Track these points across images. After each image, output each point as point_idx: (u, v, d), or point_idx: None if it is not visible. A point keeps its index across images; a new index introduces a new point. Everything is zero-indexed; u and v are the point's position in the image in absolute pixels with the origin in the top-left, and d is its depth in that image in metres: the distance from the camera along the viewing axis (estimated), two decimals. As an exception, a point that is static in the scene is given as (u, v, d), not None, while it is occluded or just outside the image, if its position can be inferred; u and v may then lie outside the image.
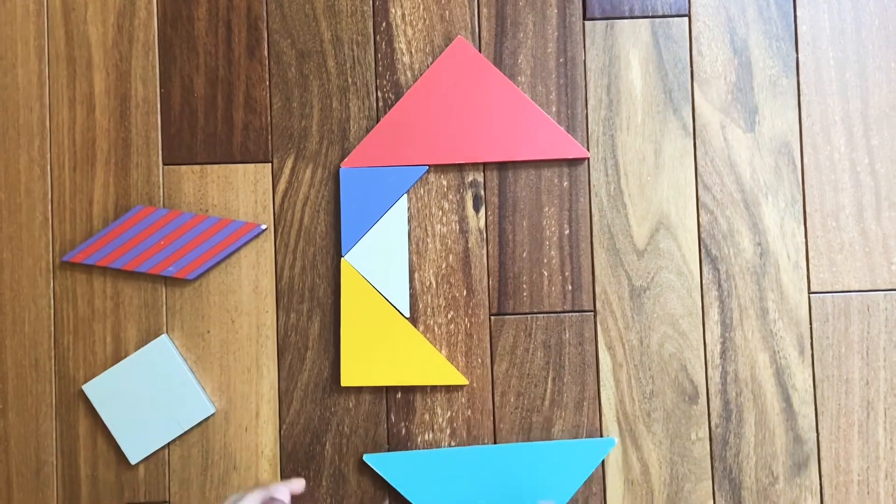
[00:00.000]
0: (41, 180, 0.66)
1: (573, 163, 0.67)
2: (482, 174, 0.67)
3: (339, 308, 0.66)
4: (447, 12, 0.67)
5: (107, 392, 0.64)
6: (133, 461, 0.64)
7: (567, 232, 0.67)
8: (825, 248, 0.67)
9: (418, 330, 0.66)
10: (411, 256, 0.67)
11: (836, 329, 0.66)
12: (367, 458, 0.64)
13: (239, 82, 0.67)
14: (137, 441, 0.64)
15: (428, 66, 0.67)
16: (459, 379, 0.65)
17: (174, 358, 0.65)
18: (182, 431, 0.64)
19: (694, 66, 0.67)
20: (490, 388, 0.66)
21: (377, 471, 0.64)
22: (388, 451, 0.66)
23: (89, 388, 0.64)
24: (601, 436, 0.66)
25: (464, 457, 0.64)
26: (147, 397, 0.64)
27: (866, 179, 0.67)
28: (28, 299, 0.66)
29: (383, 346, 0.66)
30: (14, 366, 0.66)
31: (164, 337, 0.65)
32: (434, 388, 0.66)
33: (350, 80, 0.67)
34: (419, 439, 0.66)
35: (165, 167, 0.67)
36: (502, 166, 0.67)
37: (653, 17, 0.68)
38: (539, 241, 0.67)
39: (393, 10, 0.67)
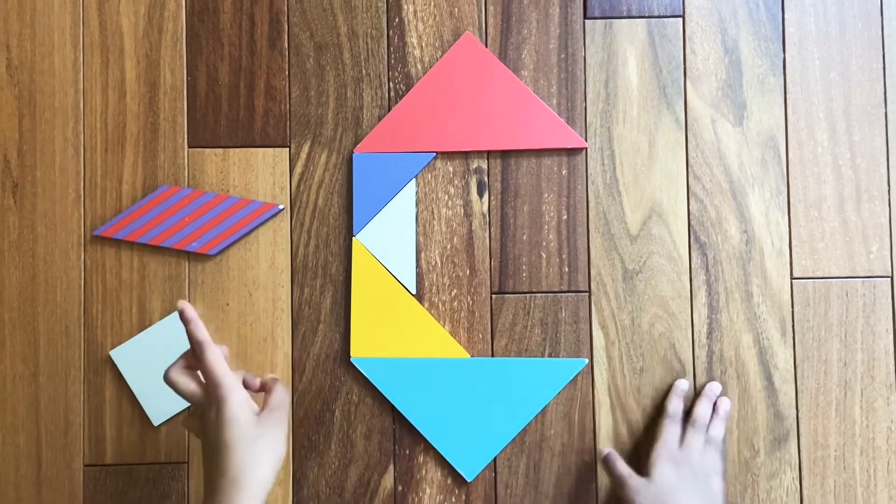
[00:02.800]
0: (74, 160, 0.71)
1: (572, 152, 0.71)
2: (486, 161, 0.71)
3: (350, 284, 0.70)
4: (456, 9, 0.72)
5: (132, 358, 0.69)
6: (156, 423, 0.69)
7: (565, 217, 0.71)
8: (807, 237, 0.71)
9: (424, 306, 0.71)
10: (418, 237, 0.71)
11: (816, 313, 0.71)
12: (354, 360, 0.69)
13: (260, 72, 0.72)
14: (160, 404, 0.69)
15: (437, 60, 0.72)
16: (461, 353, 0.70)
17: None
18: None
19: (687, 63, 0.72)
20: (490, 362, 0.70)
21: (364, 373, 0.69)
22: (393, 420, 0.70)
23: (116, 354, 0.69)
24: (594, 410, 0.70)
25: (443, 367, 0.69)
26: (169, 363, 0.68)
27: (847, 173, 0.71)
28: (60, 270, 0.70)
29: (391, 320, 0.70)
30: (46, 332, 0.70)
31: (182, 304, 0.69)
32: (437, 361, 0.70)
33: (364, 71, 0.72)
34: (423, 408, 0.70)
35: (190, 150, 0.71)
36: (505, 154, 0.71)
37: (649, 17, 0.72)
38: (538, 225, 0.71)
39: (405, 7, 0.72)
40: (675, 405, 0.68)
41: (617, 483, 0.65)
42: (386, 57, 0.72)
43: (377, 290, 0.70)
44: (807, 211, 0.71)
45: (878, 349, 0.70)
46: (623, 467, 0.65)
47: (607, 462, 0.66)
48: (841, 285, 0.71)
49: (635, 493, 0.63)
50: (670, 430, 0.66)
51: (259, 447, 0.54)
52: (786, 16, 0.72)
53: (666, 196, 0.71)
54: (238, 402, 0.55)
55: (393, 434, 0.70)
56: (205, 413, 0.56)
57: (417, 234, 0.71)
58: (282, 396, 0.58)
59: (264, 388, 0.60)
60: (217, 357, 0.57)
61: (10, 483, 0.69)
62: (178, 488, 0.69)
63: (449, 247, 0.71)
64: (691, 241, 0.71)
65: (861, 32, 0.72)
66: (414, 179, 0.71)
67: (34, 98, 0.71)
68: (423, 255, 0.71)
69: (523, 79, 0.71)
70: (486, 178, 0.71)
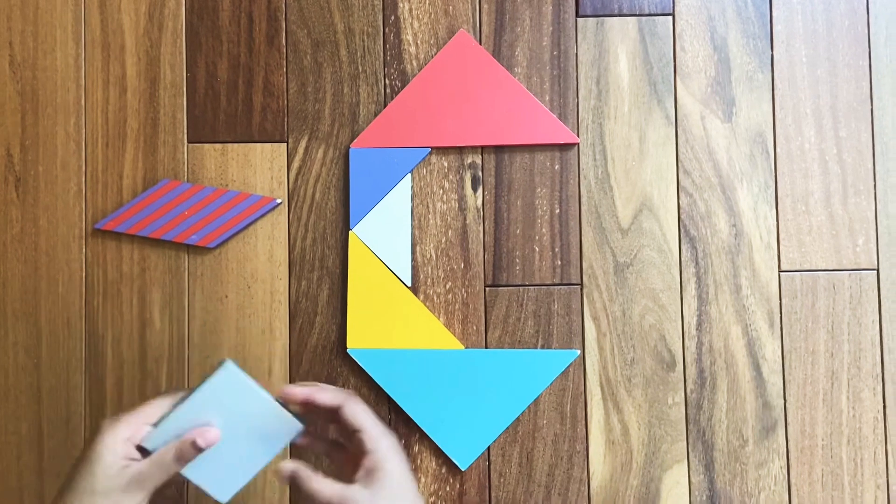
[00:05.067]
0: (76, 155, 0.72)
1: (564, 148, 0.73)
2: (480, 156, 0.73)
3: (347, 277, 0.71)
4: (451, 7, 0.73)
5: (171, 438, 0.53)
6: (223, 500, 0.55)
7: (557, 211, 0.73)
8: (795, 231, 0.72)
9: (419, 299, 0.72)
10: (413, 231, 0.72)
11: (803, 305, 0.72)
12: (350, 351, 0.70)
13: (258, 68, 0.73)
14: (224, 478, 0.55)
15: (432, 57, 0.73)
16: (456, 344, 0.71)
17: (247, 385, 0.54)
18: (274, 455, 0.55)
19: (677, 61, 0.73)
20: (484, 353, 0.72)
21: (360, 364, 0.70)
22: (389, 410, 0.71)
23: (149, 443, 0.52)
24: (586, 400, 0.72)
25: (438, 358, 0.71)
26: (224, 432, 0.54)
27: (834, 168, 0.73)
28: (62, 263, 0.72)
29: (386, 312, 0.71)
30: (48, 324, 0.71)
31: (228, 364, 0.54)
32: (432, 352, 0.71)
33: (360, 68, 0.73)
34: (418, 398, 0.71)
35: (190, 145, 0.73)
36: (499, 150, 0.73)
37: (640, 15, 0.73)
38: (531, 219, 0.73)
39: (401, 5, 0.73)
40: None
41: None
42: (382, 54, 0.73)
43: (373, 283, 0.71)
44: (794, 205, 0.72)
45: (865, 340, 0.71)
46: (326, 485, 0.51)
47: (300, 481, 0.51)
48: (828, 278, 0.72)
49: None
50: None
51: None
52: (774, 14, 0.73)
53: (656, 190, 0.72)
54: None
55: (388, 424, 0.71)
56: None
57: (413, 227, 0.72)
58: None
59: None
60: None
61: (12, 472, 0.70)
62: (176, 479, 0.70)
63: (444, 240, 0.72)
64: (681, 235, 0.72)
65: (847, 30, 0.73)
66: (409, 174, 0.72)
67: (37, 94, 0.72)
68: (418, 248, 0.72)
69: (517, 75, 0.73)
70: (480, 173, 0.73)
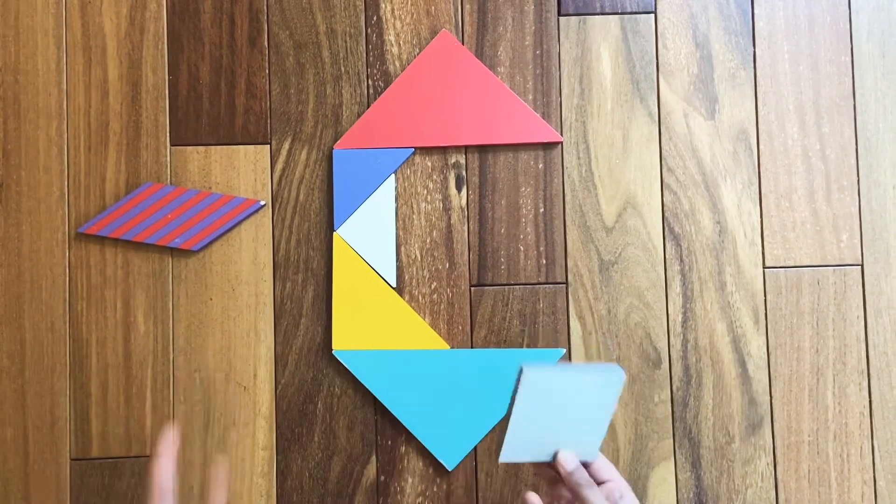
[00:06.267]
0: (58, 159, 0.72)
1: (548, 146, 0.73)
2: (464, 156, 0.73)
3: (332, 278, 0.71)
4: (433, 7, 0.73)
5: (539, 387, 0.55)
6: (502, 460, 0.59)
7: (542, 210, 0.72)
8: (779, 227, 0.72)
9: (404, 299, 0.72)
10: (398, 231, 0.72)
11: (788, 301, 0.72)
12: (336, 352, 0.70)
13: (241, 70, 0.73)
14: (521, 443, 0.58)
15: (415, 57, 0.73)
16: (441, 344, 0.71)
17: (616, 396, 0.56)
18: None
19: (659, 58, 0.73)
20: (470, 353, 0.72)
21: (346, 366, 0.70)
22: (375, 411, 0.71)
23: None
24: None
25: (424, 358, 0.70)
26: (569, 411, 0.56)
27: (817, 164, 0.73)
28: (45, 268, 0.71)
29: (372, 313, 0.71)
30: (31, 329, 0.71)
31: (621, 373, 0.55)
32: (418, 353, 0.71)
33: (343, 69, 0.73)
34: (404, 399, 0.71)
35: (173, 148, 0.72)
36: (482, 149, 0.73)
37: (622, 13, 0.73)
38: (516, 218, 0.72)
39: (383, 5, 0.73)
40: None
41: None
42: (364, 55, 0.73)
43: (358, 284, 0.71)
44: (778, 202, 0.72)
45: (850, 336, 0.72)
46: None
47: None
48: (812, 274, 0.72)
49: None
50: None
51: None
52: (755, 11, 0.73)
53: (640, 188, 0.72)
54: None
55: (375, 425, 0.71)
56: None
57: (397, 228, 0.72)
58: None
59: None
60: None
61: (-3, 477, 0.70)
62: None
63: (428, 240, 0.72)
64: (665, 233, 0.72)
65: (829, 26, 0.73)
66: (393, 175, 0.72)
67: (18, 99, 0.72)
68: (402, 248, 0.72)
69: (499, 75, 0.73)
70: (464, 173, 0.73)
